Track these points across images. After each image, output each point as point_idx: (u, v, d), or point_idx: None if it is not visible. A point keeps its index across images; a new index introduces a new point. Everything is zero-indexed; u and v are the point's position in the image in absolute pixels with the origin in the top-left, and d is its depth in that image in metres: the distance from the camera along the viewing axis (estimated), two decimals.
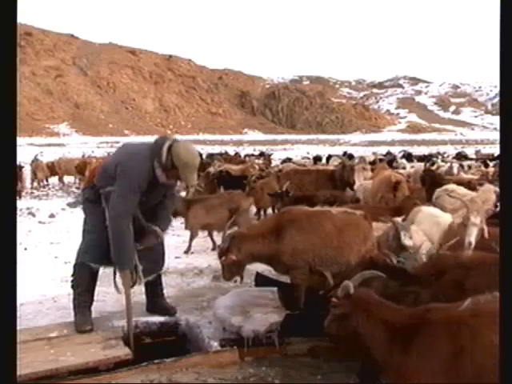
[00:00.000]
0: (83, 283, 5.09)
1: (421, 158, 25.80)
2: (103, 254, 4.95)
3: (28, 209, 14.03)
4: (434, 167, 16.20)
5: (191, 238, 9.25)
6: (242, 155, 33.35)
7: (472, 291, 3.38)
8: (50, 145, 66.92)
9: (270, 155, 31.49)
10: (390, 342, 3.10)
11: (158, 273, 5.42)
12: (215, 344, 4.74)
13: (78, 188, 19.86)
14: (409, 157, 26.76)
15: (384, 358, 3.14)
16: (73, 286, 5.14)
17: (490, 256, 4.30)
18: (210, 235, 9.58)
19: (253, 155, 33.91)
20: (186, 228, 9.37)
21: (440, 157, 28.22)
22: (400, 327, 3.10)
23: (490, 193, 7.87)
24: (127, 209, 4.79)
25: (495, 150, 44.37)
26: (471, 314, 2.95)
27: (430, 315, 3.07)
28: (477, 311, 2.95)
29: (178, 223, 11.82)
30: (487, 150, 48.02)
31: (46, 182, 22.07)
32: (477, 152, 38.55)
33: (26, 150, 39.73)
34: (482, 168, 17.65)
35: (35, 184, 20.83)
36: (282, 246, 5.10)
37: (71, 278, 5.17)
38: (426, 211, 6.69)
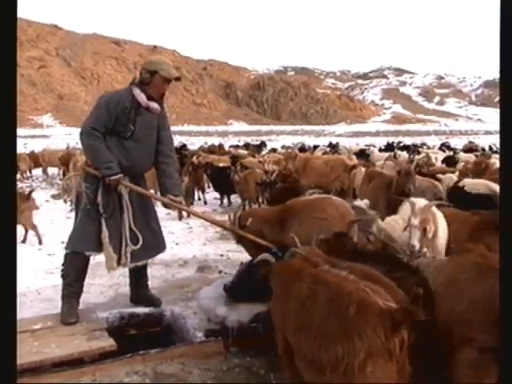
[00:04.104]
0: (73, 273, 5.08)
1: (404, 148, 25.89)
2: (97, 240, 5.02)
3: None
4: (417, 158, 16.29)
5: None
6: (226, 147, 33.27)
7: None
8: (33, 136, 66.38)
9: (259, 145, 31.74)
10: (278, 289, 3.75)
11: (150, 259, 5.45)
12: (200, 335, 4.75)
13: (61, 179, 19.73)
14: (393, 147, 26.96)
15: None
16: (62, 276, 5.13)
17: None
18: None
19: (237, 146, 33.85)
20: None
21: (425, 147, 28.33)
22: (283, 277, 3.67)
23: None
24: (89, 122, 4.97)
25: (478, 140, 44.75)
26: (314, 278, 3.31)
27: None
28: (319, 275, 3.31)
29: (162, 214, 11.82)
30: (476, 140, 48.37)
31: (29, 174, 21.91)
32: (470, 142, 38.63)
33: None
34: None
35: (18, 176, 20.66)
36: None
37: (61, 268, 5.16)
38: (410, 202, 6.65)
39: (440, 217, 5.54)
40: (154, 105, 5.11)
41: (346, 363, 2.81)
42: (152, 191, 11.83)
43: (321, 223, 5.34)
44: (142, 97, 5.02)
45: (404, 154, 19.53)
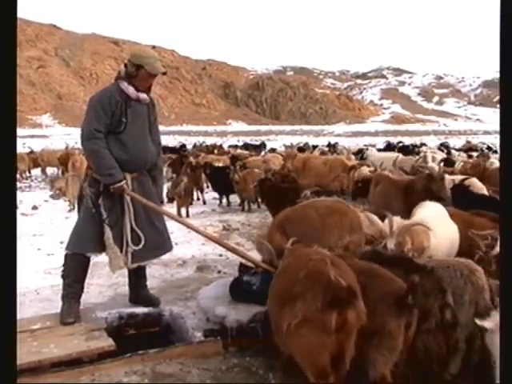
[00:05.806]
0: (73, 273, 5.07)
1: (403, 148, 25.89)
2: (99, 241, 5.02)
3: None
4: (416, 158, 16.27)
5: None
6: (226, 146, 33.27)
7: None
8: (32, 136, 66.28)
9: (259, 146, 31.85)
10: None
11: (155, 258, 5.46)
12: (199, 334, 4.74)
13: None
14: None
15: None
16: (62, 276, 5.12)
17: None
18: None
19: (236, 146, 33.84)
20: None
21: (425, 147, 28.30)
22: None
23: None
24: (89, 124, 4.92)
25: (477, 140, 44.72)
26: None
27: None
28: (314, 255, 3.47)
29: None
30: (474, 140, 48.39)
31: (28, 174, 21.89)
32: (468, 142, 38.60)
33: None
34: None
35: (17, 176, 20.63)
36: None
37: (61, 268, 5.14)
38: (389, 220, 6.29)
39: (437, 230, 5.35)
40: (144, 95, 5.13)
41: (287, 323, 3.07)
42: None
43: (301, 233, 5.39)
44: (131, 90, 5.00)
45: (375, 153, 19.42)
